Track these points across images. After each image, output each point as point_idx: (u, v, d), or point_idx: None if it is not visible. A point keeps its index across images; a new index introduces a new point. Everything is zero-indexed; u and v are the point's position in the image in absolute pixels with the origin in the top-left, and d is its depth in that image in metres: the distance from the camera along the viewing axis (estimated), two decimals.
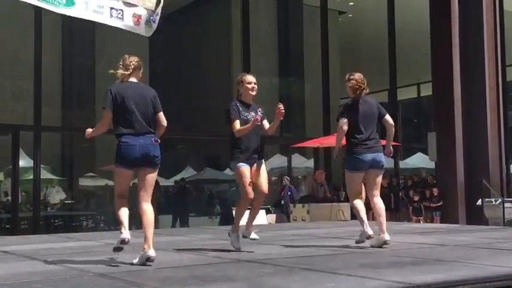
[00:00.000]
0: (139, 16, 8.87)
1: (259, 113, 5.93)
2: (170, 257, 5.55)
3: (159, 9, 9.13)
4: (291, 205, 13.74)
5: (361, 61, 21.81)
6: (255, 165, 5.95)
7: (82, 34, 15.88)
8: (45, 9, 8.39)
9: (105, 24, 8.68)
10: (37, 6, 8.42)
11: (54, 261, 5.31)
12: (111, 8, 8.51)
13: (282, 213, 14.64)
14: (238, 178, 5.89)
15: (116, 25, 8.69)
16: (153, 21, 9.16)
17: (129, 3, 8.72)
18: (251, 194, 5.75)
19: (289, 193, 14.57)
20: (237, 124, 5.99)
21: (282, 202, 14.67)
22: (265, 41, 18.86)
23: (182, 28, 19.82)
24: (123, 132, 5.00)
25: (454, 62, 14.85)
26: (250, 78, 6.06)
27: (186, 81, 19.36)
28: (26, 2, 7.93)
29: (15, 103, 15.05)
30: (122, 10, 8.61)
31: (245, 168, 5.84)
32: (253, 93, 6.05)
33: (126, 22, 8.74)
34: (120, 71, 5.12)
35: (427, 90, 20.17)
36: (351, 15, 21.10)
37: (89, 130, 5.37)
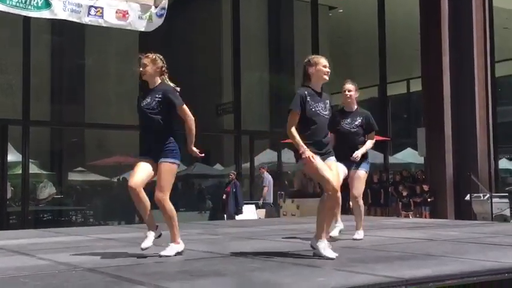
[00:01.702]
0: (125, 12, 8.82)
1: (327, 105, 5.10)
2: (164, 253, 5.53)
3: (163, 3, 9.07)
4: (281, 200, 13.75)
5: (351, 56, 21.85)
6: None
7: (71, 29, 15.78)
8: (20, 15, 8.36)
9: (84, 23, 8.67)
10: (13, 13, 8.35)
11: (42, 256, 5.28)
12: (90, 6, 8.47)
13: (223, 210, 14.26)
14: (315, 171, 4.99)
15: (95, 23, 8.67)
16: (158, 15, 9.09)
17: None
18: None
19: (234, 190, 14.20)
20: (296, 117, 4.98)
21: (224, 197, 14.34)
22: (256, 36, 18.85)
23: (172, 23, 19.73)
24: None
25: (444, 57, 14.89)
26: (325, 61, 5.11)
27: (176, 76, 19.28)
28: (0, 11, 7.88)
29: (3, 97, 14.94)
30: (101, 8, 8.57)
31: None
32: (327, 79, 5.12)
33: (108, 19, 8.70)
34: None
35: (417, 86, 20.22)
36: (341, 10, 21.11)
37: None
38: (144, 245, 5.01)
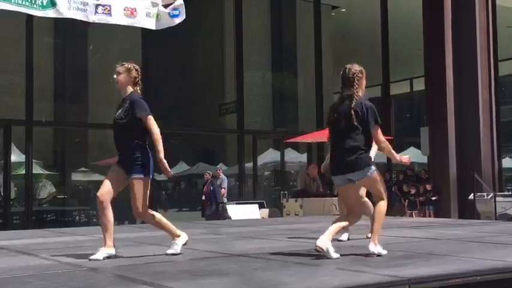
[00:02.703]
0: (133, 9, 8.76)
1: None
2: (162, 252, 5.53)
3: (176, 3, 8.96)
4: (284, 200, 13.73)
5: (354, 56, 21.76)
6: None
7: (75, 29, 15.81)
8: (26, 13, 8.35)
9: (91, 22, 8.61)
10: (18, 12, 8.34)
11: (46, 256, 5.29)
12: (97, 5, 8.41)
13: (202, 212, 14.18)
14: (378, 182, 4.99)
15: (103, 21, 8.61)
16: (172, 16, 8.98)
17: None
18: None
19: (211, 188, 14.16)
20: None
21: (203, 198, 14.27)
22: (258, 36, 18.84)
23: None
24: None
25: (447, 56, 14.87)
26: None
27: (179, 76, 19.32)
28: (5, 10, 7.88)
29: (6, 97, 14.97)
30: (109, 5, 8.51)
31: None
32: None
33: (116, 17, 8.62)
34: None
35: (420, 85, 20.19)
36: (344, 10, 21.08)
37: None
38: (93, 256, 4.91)
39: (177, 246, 5.13)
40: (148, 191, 5.03)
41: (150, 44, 15.25)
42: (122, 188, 5.09)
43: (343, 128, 4.92)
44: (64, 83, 17.04)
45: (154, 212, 5.19)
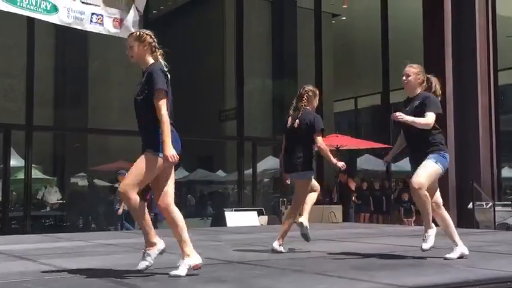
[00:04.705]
0: (120, 20, 8.97)
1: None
2: (160, 258, 5.52)
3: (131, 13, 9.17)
4: (283, 207, 13.70)
5: (354, 64, 21.85)
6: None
7: (75, 34, 15.81)
8: (30, 17, 8.48)
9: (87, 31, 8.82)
10: (23, 15, 8.48)
11: (44, 261, 5.28)
12: (92, 14, 8.62)
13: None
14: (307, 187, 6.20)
15: (95, 31, 8.83)
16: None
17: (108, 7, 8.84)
18: None
19: (152, 197, 13.57)
20: None
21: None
22: (259, 43, 18.87)
23: (176, 29, 19.80)
24: None
25: (447, 65, 14.90)
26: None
27: (179, 82, 19.32)
28: (11, 12, 7.98)
29: (6, 102, 14.97)
30: (102, 15, 8.72)
31: None
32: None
33: (107, 27, 8.90)
34: None
35: None
36: (344, 18, 21.14)
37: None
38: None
39: (150, 258, 4.44)
40: (150, 174, 4.23)
41: None
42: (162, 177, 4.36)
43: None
44: (64, 88, 17.05)
45: (141, 201, 4.32)
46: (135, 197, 4.25)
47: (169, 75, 4.41)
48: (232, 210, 14.25)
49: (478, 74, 14.84)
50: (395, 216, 15.69)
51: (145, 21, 14.22)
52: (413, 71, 5.75)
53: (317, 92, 6.56)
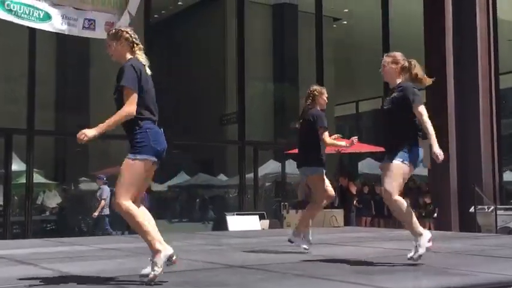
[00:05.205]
0: (112, 24, 9.03)
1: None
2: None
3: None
4: (284, 211, 13.70)
5: (355, 68, 21.87)
6: None
7: (76, 37, 15.86)
8: (24, 25, 8.54)
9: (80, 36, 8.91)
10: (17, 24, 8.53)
11: (46, 266, 5.28)
12: (85, 19, 8.70)
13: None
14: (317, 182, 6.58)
15: (88, 36, 8.90)
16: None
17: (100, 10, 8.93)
18: None
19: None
20: None
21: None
22: (260, 47, 18.90)
23: (177, 34, 19.84)
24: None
25: (448, 69, 14.90)
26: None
27: (180, 86, 19.37)
28: (6, 20, 8.04)
29: (8, 106, 14.99)
30: (94, 20, 8.79)
31: None
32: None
33: (98, 31, 8.94)
34: None
35: None
36: (345, 22, 21.16)
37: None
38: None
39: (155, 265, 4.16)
40: (137, 177, 4.10)
41: (151, 54, 15.27)
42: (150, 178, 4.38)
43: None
44: (65, 92, 17.08)
45: (135, 208, 4.14)
46: (131, 209, 4.13)
47: (148, 70, 4.27)
48: (233, 215, 14.24)
49: (479, 77, 14.84)
50: (397, 220, 15.65)
51: (146, 25, 14.29)
52: (387, 60, 5.54)
53: (323, 91, 6.70)
